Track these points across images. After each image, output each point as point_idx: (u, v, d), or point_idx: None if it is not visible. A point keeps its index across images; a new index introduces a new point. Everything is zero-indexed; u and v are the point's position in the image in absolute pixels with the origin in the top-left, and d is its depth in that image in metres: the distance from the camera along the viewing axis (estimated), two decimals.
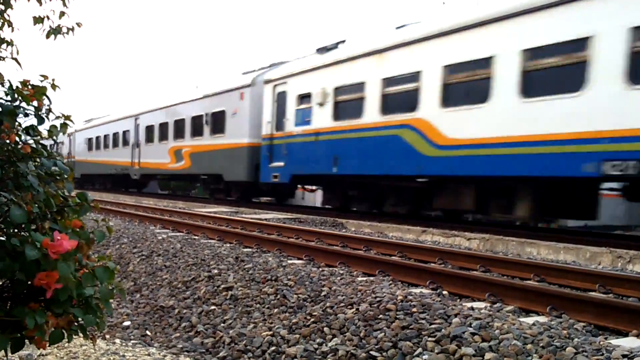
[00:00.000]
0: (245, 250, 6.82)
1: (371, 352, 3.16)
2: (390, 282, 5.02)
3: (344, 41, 13.28)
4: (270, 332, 3.83)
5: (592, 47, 7.67)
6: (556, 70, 8.17)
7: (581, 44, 7.81)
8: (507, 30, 8.81)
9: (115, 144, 25.26)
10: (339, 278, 4.86)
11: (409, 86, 10.35)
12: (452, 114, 9.57)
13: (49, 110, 1.94)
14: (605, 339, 3.39)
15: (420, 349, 3.07)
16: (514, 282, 4.77)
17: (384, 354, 3.13)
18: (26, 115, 1.91)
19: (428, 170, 10.10)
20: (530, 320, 3.63)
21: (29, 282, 1.62)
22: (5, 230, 1.67)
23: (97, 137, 27.53)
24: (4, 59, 2.44)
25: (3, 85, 1.97)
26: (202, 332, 4.24)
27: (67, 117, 1.99)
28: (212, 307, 4.75)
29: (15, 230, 1.68)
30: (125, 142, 24.04)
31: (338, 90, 12.08)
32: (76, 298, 1.66)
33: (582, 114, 7.76)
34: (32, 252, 1.52)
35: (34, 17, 2.90)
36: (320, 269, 5.39)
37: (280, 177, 13.76)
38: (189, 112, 18.40)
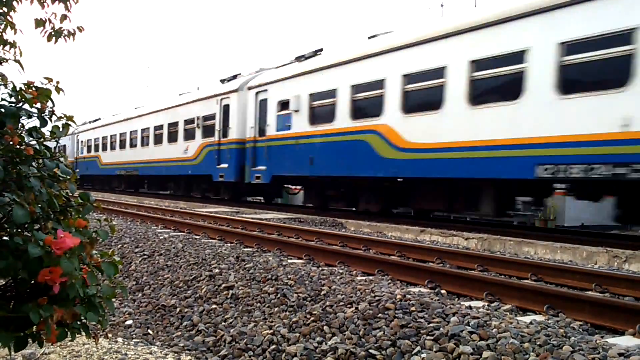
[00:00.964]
0: (245, 249, 6.85)
1: (370, 351, 3.18)
2: (389, 281, 5.05)
3: (99, 118, 31.15)
4: (271, 331, 3.86)
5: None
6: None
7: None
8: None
9: None
10: (338, 277, 4.88)
11: (125, 138, 26.35)
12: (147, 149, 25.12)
13: (52, 112, 1.94)
14: (602, 337, 3.42)
15: (418, 348, 3.09)
16: (512, 282, 4.81)
17: (383, 352, 3.16)
18: (29, 117, 1.92)
19: (99, 172, 29.23)
20: (527, 319, 3.64)
21: (32, 282, 1.65)
22: (8, 230, 1.70)
23: None
24: (7, 60, 2.46)
25: (6, 87, 1.98)
26: (203, 330, 4.27)
27: (70, 118, 1.99)
28: (213, 306, 4.78)
29: (19, 230, 1.69)
30: None
31: (103, 139, 28.95)
32: (80, 297, 1.68)
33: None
34: (35, 250, 1.53)
35: (36, 20, 2.89)
36: (320, 269, 5.41)
37: (80, 175, 30.32)
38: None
